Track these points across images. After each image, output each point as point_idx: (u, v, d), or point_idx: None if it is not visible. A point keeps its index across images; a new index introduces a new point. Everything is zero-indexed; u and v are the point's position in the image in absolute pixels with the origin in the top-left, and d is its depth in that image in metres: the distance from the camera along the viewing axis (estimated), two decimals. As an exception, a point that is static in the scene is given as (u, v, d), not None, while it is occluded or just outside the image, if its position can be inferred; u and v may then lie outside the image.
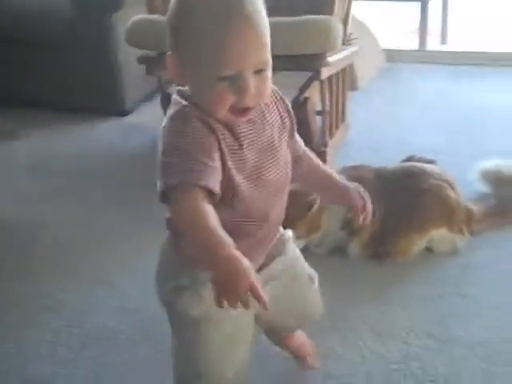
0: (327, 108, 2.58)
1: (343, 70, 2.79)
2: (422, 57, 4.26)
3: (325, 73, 2.41)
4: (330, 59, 2.38)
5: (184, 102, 1.06)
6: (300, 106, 2.45)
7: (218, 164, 1.02)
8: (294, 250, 1.31)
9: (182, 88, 1.10)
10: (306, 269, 1.35)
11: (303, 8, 2.50)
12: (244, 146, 1.07)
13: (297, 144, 1.23)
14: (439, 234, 1.99)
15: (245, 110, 1.05)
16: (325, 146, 2.57)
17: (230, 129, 1.06)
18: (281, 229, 1.26)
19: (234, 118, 1.05)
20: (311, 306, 1.40)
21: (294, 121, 1.19)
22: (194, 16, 1.00)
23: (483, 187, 2.27)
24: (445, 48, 4.53)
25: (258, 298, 0.92)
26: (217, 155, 1.03)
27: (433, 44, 4.67)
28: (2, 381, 1.55)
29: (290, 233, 1.30)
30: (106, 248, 2.09)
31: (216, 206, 1.00)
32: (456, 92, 3.45)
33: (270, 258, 1.23)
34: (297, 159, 1.21)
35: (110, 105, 3.37)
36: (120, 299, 1.83)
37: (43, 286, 1.90)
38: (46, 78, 3.37)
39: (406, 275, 1.90)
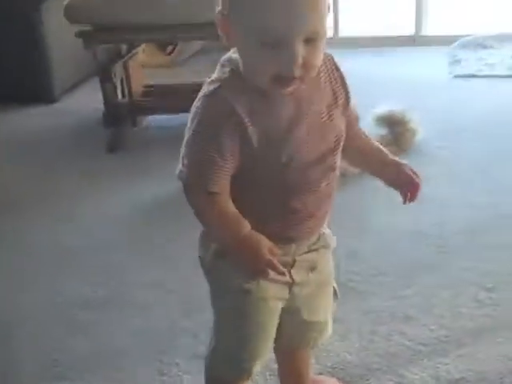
0: None
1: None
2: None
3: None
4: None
5: (230, 65, 1.03)
6: None
7: (233, 158, 1.02)
8: (331, 259, 1.25)
9: (233, 55, 1.04)
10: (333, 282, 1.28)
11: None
12: (283, 124, 1.03)
13: (352, 119, 1.15)
14: None
15: (289, 81, 0.98)
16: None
17: (269, 108, 1.02)
18: (327, 228, 1.20)
19: (276, 89, 0.99)
20: (326, 322, 1.28)
21: (350, 94, 1.11)
22: None
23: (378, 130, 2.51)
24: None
25: (274, 269, 1.04)
26: (235, 147, 1.01)
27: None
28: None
29: (334, 241, 1.23)
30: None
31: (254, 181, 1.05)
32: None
33: (318, 246, 1.18)
34: (350, 134, 1.13)
35: (39, 92, 3.43)
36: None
37: None
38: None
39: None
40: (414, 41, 4.13)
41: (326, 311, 1.26)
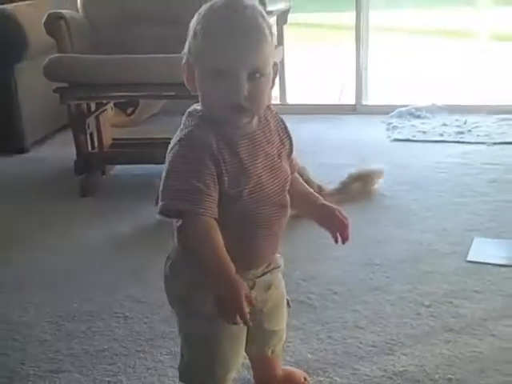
0: None
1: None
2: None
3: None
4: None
5: (196, 113, 1.23)
6: None
7: (215, 188, 1.18)
8: (281, 277, 1.46)
9: (196, 107, 1.26)
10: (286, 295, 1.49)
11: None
12: (244, 163, 1.22)
13: (293, 164, 1.36)
14: None
15: (240, 109, 1.19)
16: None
17: (232, 147, 1.21)
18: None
19: (233, 118, 1.21)
20: (283, 329, 1.51)
21: (293, 143, 1.34)
22: (205, 19, 1.19)
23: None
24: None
25: (245, 322, 1.17)
26: (215, 178, 1.18)
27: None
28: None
29: (282, 261, 1.42)
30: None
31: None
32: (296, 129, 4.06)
33: (273, 267, 1.38)
34: (291, 178, 1.34)
35: (10, 143, 3.69)
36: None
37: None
38: None
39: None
40: (355, 109, 4.54)
41: (283, 320, 1.51)
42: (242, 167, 1.23)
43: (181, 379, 1.42)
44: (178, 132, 1.25)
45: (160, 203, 1.19)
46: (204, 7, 1.22)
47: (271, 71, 1.23)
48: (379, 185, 2.95)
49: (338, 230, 1.35)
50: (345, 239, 1.36)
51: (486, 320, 1.90)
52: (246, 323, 1.18)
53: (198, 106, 1.27)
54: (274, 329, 1.47)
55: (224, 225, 1.20)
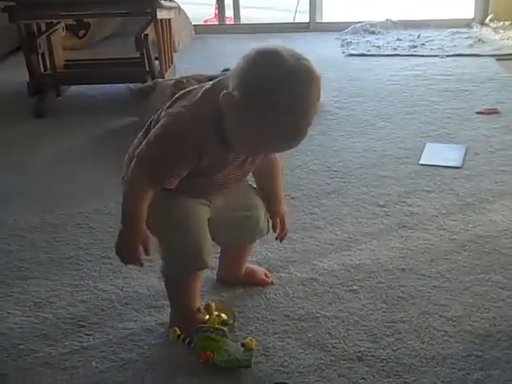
0: (161, 44, 3.06)
1: (168, 23, 3.25)
2: (221, 29, 4.77)
3: (159, 14, 2.93)
4: (163, 2, 2.95)
5: (210, 98, 1.27)
6: (141, 41, 2.90)
7: (185, 171, 1.31)
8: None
9: (224, 80, 1.29)
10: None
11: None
12: (226, 161, 1.35)
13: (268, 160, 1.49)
14: None
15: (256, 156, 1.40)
16: (162, 76, 3.01)
17: (227, 150, 1.31)
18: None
19: (242, 153, 1.35)
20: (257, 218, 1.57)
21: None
22: (275, 90, 1.18)
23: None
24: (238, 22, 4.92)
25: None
26: (190, 164, 1.30)
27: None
28: None
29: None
30: None
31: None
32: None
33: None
34: (264, 164, 1.48)
35: None
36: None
37: None
38: None
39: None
40: (309, 27, 4.53)
41: (255, 208, 1.55)
42: (222, 162, 1.35)
43: (165, 282, 1.50)
44: (181, 94, 1.35)
45: (136, 157, 1.32)
46: (266, 61, 1.22)
47: None
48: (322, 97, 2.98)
49: (279, 233, 1.60)
50: (281, 241, 1.63)
51: (437, 216, 1.99)
52: (141, 265, 1.40)
53: (216, 88, 1.30)
54: (244, 214, 1.54)
55: (195, 181, 1.35)
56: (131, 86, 2.77)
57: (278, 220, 1.58)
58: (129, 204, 1.36)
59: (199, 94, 1.31)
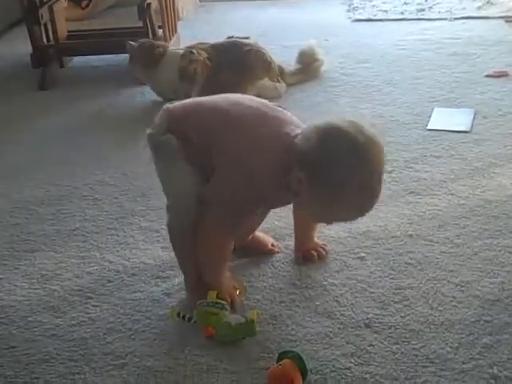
0: (164, 13, 3.05)
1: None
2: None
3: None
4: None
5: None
6: (144, 10, 2.90)
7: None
8: None
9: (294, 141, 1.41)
10: None
11: None
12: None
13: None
14: (264, 83, 2.66)
15: None
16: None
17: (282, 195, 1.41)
18: None
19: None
20: None
21: None
22: (346, 184, 1.29)
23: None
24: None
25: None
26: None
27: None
28: None
29: None
30: None
31: None
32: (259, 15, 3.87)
33: None
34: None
35: None
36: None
37: None
38: None
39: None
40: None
41: None
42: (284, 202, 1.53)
43: (170, 234, 1.51)
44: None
45: (216, 204, 1.39)
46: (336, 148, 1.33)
47: None
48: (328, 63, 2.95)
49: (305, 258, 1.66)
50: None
51: (445, 181, 1.97)
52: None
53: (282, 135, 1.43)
54: None
55: None
56: (131, 42, 2.71)
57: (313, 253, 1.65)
58: (213, 259, 1.48)
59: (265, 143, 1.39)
